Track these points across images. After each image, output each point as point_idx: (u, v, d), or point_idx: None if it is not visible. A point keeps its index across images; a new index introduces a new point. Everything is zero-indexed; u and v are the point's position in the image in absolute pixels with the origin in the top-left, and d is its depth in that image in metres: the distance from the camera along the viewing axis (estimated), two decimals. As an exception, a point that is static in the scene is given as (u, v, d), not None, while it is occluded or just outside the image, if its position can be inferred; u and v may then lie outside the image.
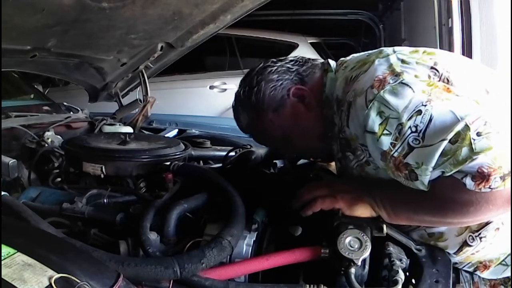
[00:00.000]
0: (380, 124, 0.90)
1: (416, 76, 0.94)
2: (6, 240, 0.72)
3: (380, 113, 0.90)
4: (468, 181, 0.84)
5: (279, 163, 1.54)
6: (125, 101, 2.30)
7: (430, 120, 0.86)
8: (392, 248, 1.04)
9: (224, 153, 1.60)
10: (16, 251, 0.70)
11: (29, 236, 0.81)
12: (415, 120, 0.87)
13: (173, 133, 2.37)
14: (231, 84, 4.50)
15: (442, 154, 0.85)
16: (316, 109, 1.14)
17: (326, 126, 1.13)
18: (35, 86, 2.73)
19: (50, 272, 0.67)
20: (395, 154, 0.90)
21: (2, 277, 0.64)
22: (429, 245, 1.10)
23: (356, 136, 0.99)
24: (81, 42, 1.57)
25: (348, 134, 1.02)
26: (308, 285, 0.92)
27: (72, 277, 0.67)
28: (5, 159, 1.37)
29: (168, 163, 1.27)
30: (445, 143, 0.84)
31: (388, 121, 0.90)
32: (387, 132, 0.90)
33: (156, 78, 2.38)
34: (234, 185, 1.14)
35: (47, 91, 3.48)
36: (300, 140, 1.19)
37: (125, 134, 1.51)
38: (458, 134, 0.83)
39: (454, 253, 1.08)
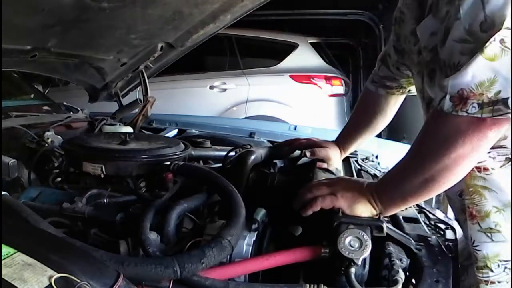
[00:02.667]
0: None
1: None
2: (6, 240, 0.71)
3: None
4: (447, 102, 0.85)
5: (279, 163, 1.53)
6: (125, 101, 2.30)
7: None
8: (392, 248, 1.04)
9: (224, 153, 1.59)
10: (16, 251, 0.70)
11: (29, 236, 0.81)
12: None
13: (173, 133, 2.37)
14: (231, 84, 4.51)
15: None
16: None
17: None
18: (35, 86, 2.74)
19: (50, 271, 0.67)
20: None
21: (2, 276, 0.64)
22: (429, 244, 1.10)
23: None
24: (81, 42, 1.57)
25: None
26: (308, 285, 0.92)
27: (72, 277, 0.67)
28: (5, 159, 1.37)
29: (168, 163, 1.27)
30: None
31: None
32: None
33: (156, 78, 2.38)
34: (234, 185, 1.14)
35: (47, 91, 3.49)
36: None
37: (125, 134, 1.51)
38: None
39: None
